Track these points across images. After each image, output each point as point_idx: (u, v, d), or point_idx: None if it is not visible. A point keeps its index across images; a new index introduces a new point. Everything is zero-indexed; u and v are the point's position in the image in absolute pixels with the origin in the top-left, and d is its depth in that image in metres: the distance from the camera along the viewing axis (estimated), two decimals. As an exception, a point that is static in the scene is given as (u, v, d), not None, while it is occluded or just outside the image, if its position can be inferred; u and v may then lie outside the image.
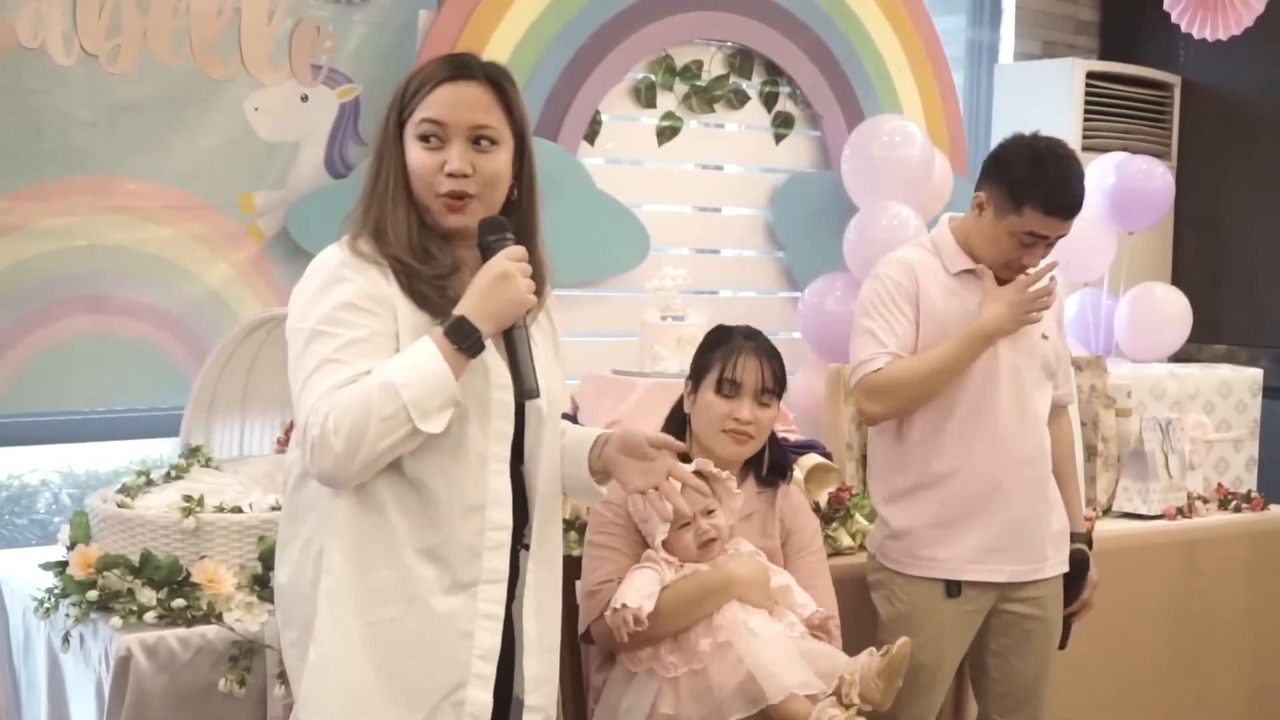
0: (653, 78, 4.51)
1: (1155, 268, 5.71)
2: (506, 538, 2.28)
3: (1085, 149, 5.34)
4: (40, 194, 3.54)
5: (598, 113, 4.38)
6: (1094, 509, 4.24)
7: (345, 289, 2.19)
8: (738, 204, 4.85)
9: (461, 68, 2.29)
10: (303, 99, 3.87)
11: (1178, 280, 5.66)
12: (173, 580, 2.79)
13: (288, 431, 3.36)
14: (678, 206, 4.82)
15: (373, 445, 2.11)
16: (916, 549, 3.28)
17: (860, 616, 3.33)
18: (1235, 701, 4.39)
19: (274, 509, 2.86)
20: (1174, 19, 4.64)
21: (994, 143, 3.32)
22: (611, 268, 4.41)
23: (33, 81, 3.50)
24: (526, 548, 2.35)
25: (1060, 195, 3.14)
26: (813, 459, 3.68)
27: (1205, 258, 5.90)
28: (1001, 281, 3.23)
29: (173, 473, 3.12)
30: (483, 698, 2.26)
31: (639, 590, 2.77)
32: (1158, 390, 4.45)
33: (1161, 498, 4.29)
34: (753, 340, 3.06)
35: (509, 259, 2.22)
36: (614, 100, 4.44)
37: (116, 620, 2.74)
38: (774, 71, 4.74)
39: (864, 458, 3.78)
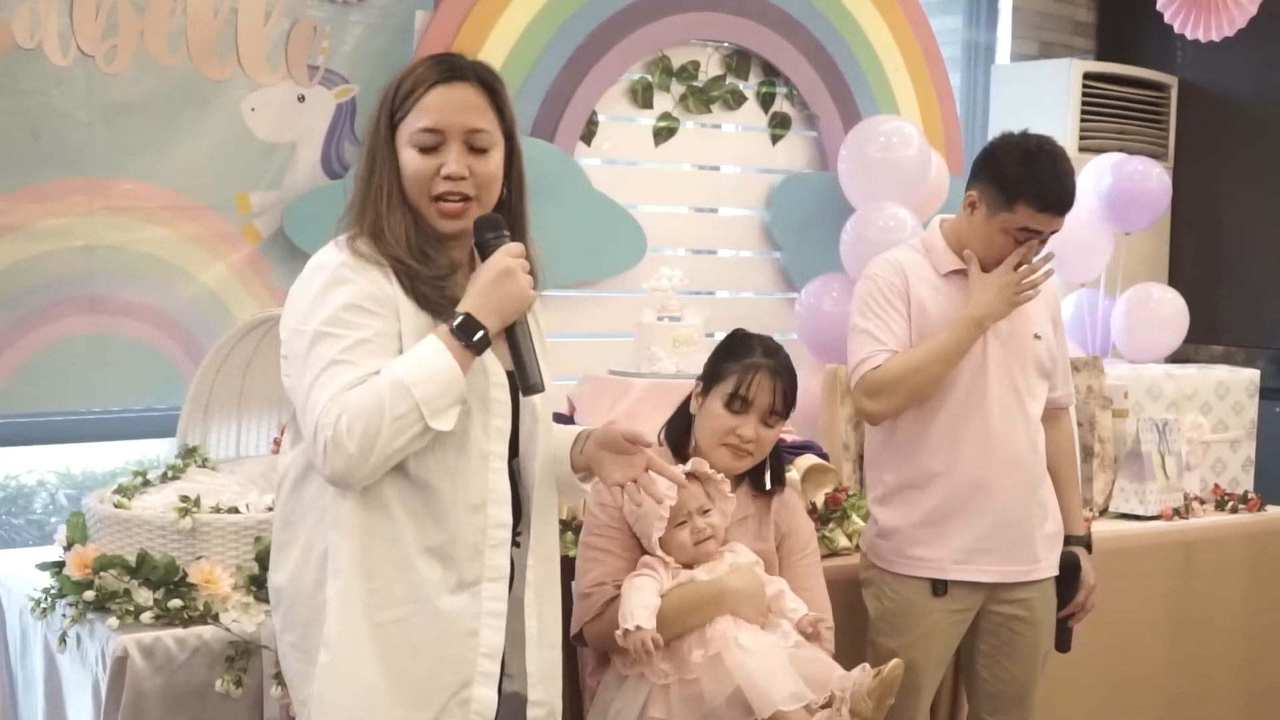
0: (649, 78, 4.51)
1: (1152, 268, 5.71)
2: (507, 535, 2.30)
3: (1082, 149, 5.35)
4: (37, 194, 3.54)
5: (594, 113, 4.38)
6: (1091, 510, 4.24)
7: (348, 290, 2.20)
8: (734, 205, 4.86)
9: (453, 69, 2.29)
10: (299, 99, 3.87)
11: (1175, 281, 5.66)
12: (169, 580, 2.79)
13: (284, 432, 3.36)
14: (674, 207, 4.83)
15: (386, 445, 2.13)
16: (904, 548, 3.29)
17: (855, 617, 3.34)
18: (1232, 702, 4.39)
19: (270, 509, 2.85)
20: (1167, 19, 4.64)
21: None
22: (608, 268, 4.41)
23: (29, 82, 3.50)
24: (518, 545, 2.36)
25: (1052, 191, 3.16)
26: (809, 459, 3.69)
27: (1202, 258, 5.90)
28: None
29: (169, 473, 3.12)
30: (488, 695, 2.28)
31: (646, 605, 2.77)
32: (1155, 391, 4.45)
33: (1158, 498, 4.29)
34: (771, 358, 3.05)
35: (509, 255, 2.23)
36: (611, 101, 4.44)
37: (113, 620, 2.73)
38: (771, 72, 4.75)
39: (860, 458, 3.79)
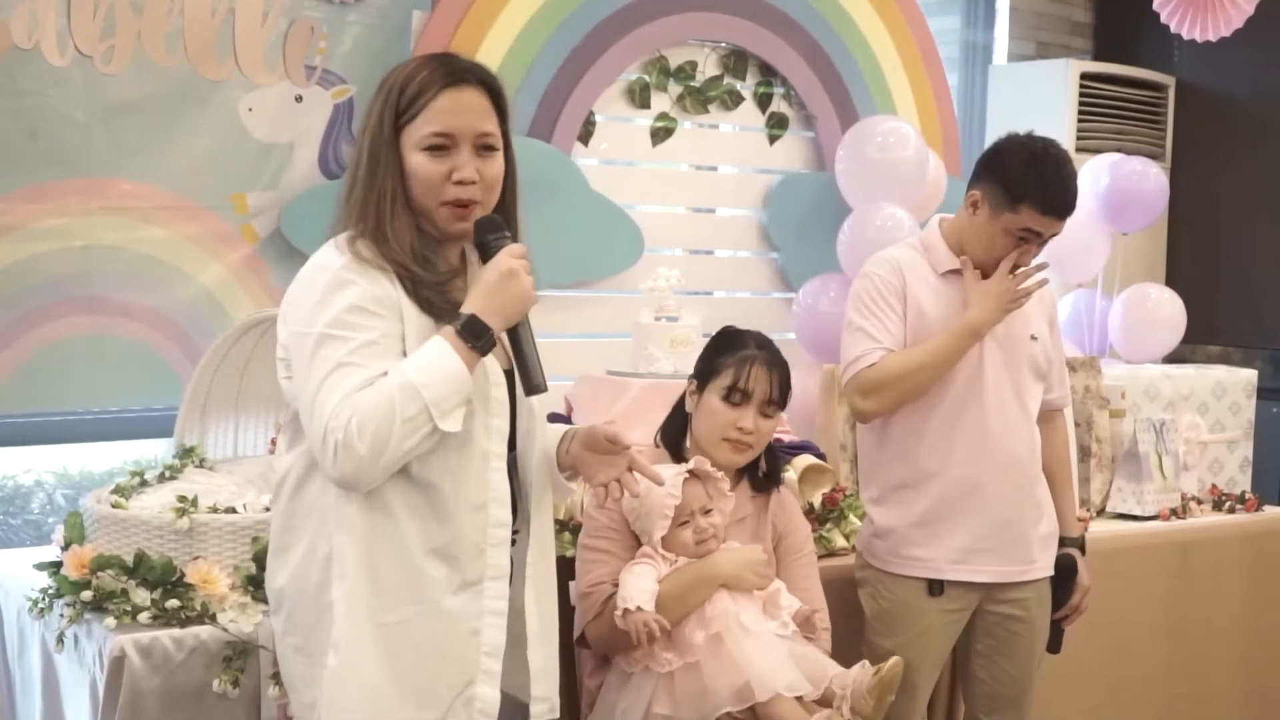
0: (647, 79, 4.51)
1: (1149, 269, 5.71)
2: (508, 534, 2.32)
3: (1079, 150, 5.35)
4: (35, 195, 3.54)
5: (592, 114, 4.39)
6: (1088, 510, 4.24)
7: (352, 292, 2.20)
8: (732, 205, 4.86)
9: (460, 72, 2.30)
10: (297, 100, 3.87)
11: (1172, 281, 5.66)
12: (167, 581, 2.79)
13: (280, 433, 3.35)
14: (672, 207, 4.83)
15: (397, 446, 2.13)
16: (900, 548, 3.29)
17: (852, 618, 3.34)
18: (1230, 703, 4.39)
19: (268, 510, 2.85)
20: (1163, 19, 4.64)
21: (988, 144, 3.33)
22: (606, 269, 4.41)
23: (27, 82, 3.49)
24: (514, 542, 2.37)
25: (1057, 194, 3.17)
26: (806, 460, 3.69)
27: (1200, 259, 5.91)
28: (985, 278, 3.24)
29: (167, 473, 3.12)
30: (492, 694, 2.30)
31: (643, 589, 2.77)
32: (1152, 391, 4.45)
33: (1155, 499, 4.30)
34: (765, 350, 3.06)
35: (512, 256, 2.25)
36: (608, 101, 4.45)
37: (111, 621, 2.73)
38: (768, 72, 4.75)
39: (857, 458, 3.78)
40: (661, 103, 4.57)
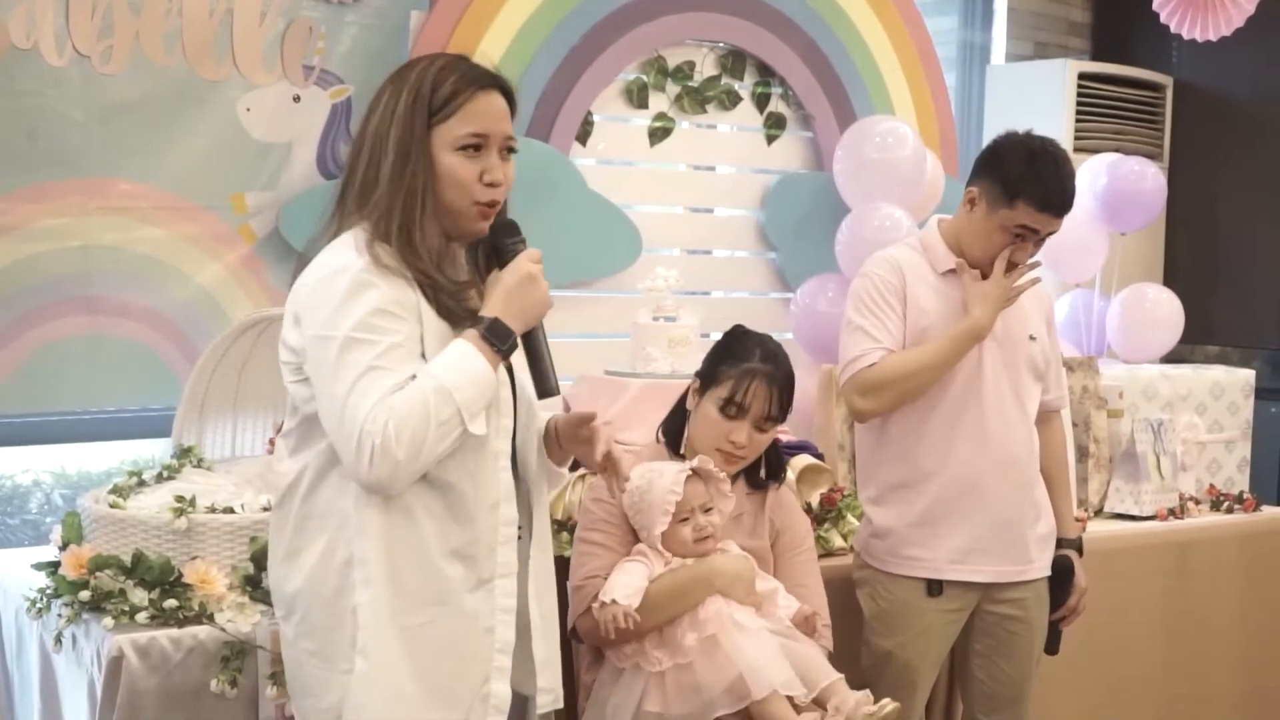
0: (645, 78, 4.51)
1: (1147, 269, 5.71)
2: (515, 531, 2.34)
3: (1077, 150, 5.34)
4: (34, 195, 3.53)
5: (590, 113, 4.38)
6: (1086, 510, 4.24)
7: (374, 295, 2.20)
8: (730, 205, 4.86)
9: (491, 76, 2.33)
10: (295, 100, 3.87)
11: (1170, 281, 5.66)
12: (165, 581, 2.79)
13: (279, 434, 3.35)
14: (670, 207, 4.82)
15: (431, 449, 2.16)
16: (899, 548, 3.30)
17: (850, 618, 3.34)
18: (1228, 703, 4.39)
19: (266, 509, 2.86)
20: (1163, 19, 4.64)
21: (985, 144, 3.34)
22: (603, 269, 4.41)
23: (25, 82, 3.49)
24: (519, 538, 2.38)
25: (1054, 192, 3.17)
26: (805, 460, 3.69)
27: (1198, 259, 5.91)
28: (984, 276, 3.24)
29: (165, 473, 3.11)
30: (504, 690, 2.33)
31: (628, 585, 2.78)
32: (1150, 391, 4.45)
33: (1153, 499, 4.30)
34: (769, 363, 3.03)
35: (531, 260, 2.29)
36: (606, 101, 4.44)
37: (109, 620, 2.73)
38: (766, 72, 4.75)
39: (855, 458, 3.78)
40: (659, 103, 4.57)
